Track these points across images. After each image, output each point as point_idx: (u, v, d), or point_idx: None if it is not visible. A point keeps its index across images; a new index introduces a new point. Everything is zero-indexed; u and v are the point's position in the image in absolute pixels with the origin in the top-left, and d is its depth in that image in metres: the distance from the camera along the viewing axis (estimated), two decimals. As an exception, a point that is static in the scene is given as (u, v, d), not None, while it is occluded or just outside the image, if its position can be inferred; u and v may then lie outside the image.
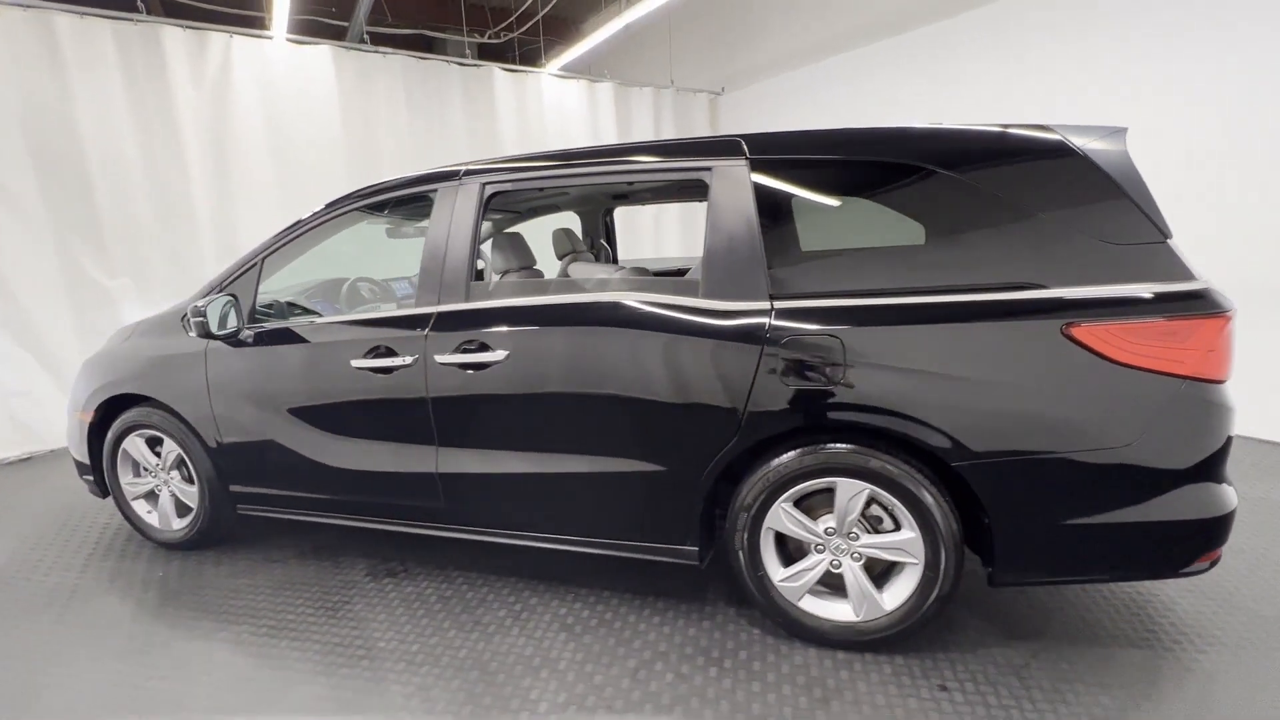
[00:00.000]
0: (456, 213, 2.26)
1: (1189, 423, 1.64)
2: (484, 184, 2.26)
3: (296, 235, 2.57)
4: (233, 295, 2.46)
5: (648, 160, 2.12)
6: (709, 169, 2.01)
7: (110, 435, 2.80)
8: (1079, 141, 1.77)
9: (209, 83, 4.65)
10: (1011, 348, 1.71)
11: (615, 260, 4.00)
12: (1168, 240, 1.69)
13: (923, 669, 1.89)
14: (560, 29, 8.92)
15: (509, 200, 3.04)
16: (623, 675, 1.93)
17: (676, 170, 2.08)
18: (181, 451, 2.69)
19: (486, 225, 3.56)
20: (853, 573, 1.94)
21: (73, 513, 3.30)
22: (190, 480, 2.76)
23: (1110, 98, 4.08)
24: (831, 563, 1.96)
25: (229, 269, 2.64)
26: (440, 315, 2.22)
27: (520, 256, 2.72)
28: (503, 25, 8.35)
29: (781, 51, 6.52)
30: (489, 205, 2.28)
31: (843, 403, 1.81)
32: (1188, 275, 1.67)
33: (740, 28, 6.81)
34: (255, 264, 2.57)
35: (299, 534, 2.96)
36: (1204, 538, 1.70)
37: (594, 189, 3.29)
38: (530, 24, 8.18)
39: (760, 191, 1.94)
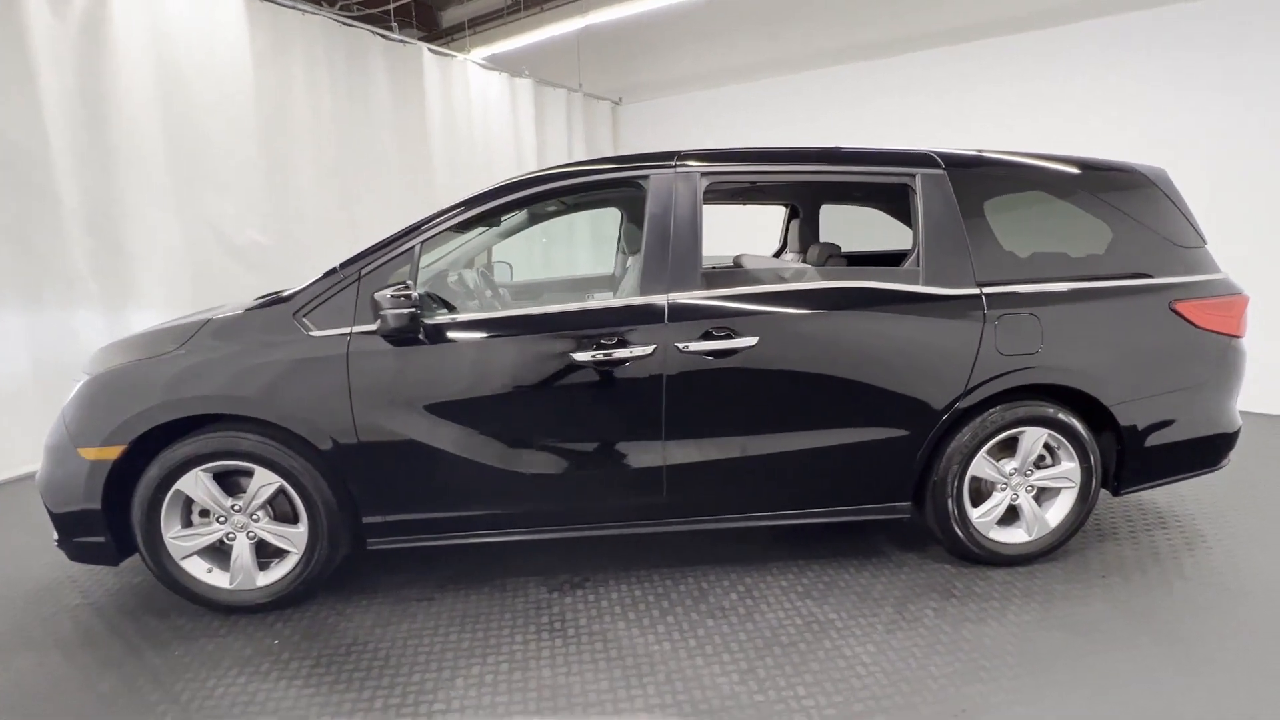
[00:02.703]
0: (678, 200, 2.25)
1: (1230, 366, 2.48)
2: (703, 173, 2.28)
3: (462, 217, 2.24)
4: (405, 284, 2.06)
5: (857, 165, 2.38)
6: (913, 175, 2.36)
7: (153, 474, 2.09)
8: (1148, 174, 2.53)
9: (76, 16, 3.51)
10: (1142, 319, 2.37)
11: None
12: (1205, 245, 2.52)
13: (1084, 565, 2.48)
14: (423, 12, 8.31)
15: (715, 191, 2.86)
16: (889, 623, 2.16)
17: (885, 175, 2.38)
18: (283, 483, 2.14)
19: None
20: (1027, 503, 2.45)
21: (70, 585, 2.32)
22: (288, 518, 2.20)
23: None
24: (1011, 497, 2.45)
25: (365, 251, 2.18)
26: (676, 304, 2.19)
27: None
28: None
29: (680, 73, 7.05)
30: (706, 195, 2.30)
31: (1041, 366, 2.30)
32: (1218, 269, 2.51)
33: (642, 43, 7.17)
34: (409, 248, 2.17)
35: (406, 569, 2.53)
36: (1229, 443, 2.56)
37: (798, 187, 3.29)
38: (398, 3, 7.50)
39: (959, 194, 2.35)
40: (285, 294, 2.24)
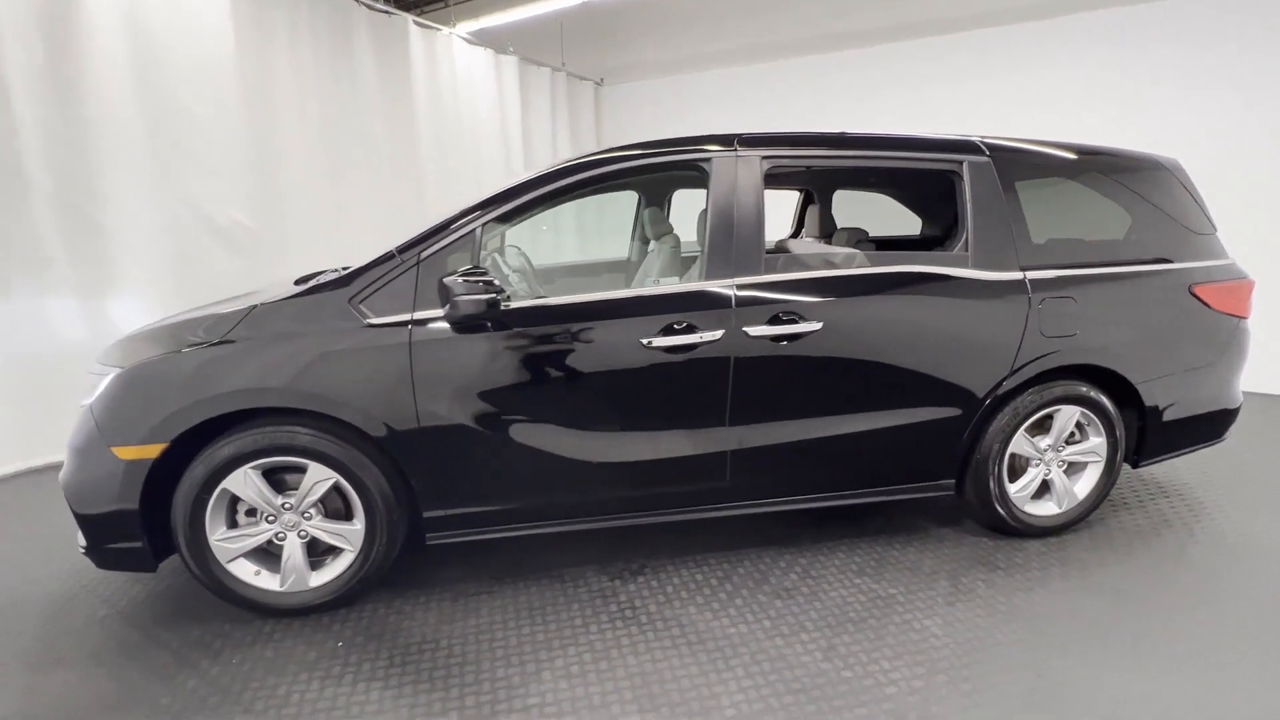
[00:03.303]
0: (740, 184, 2.23)
1: (1239, 346, 2.66)
2: (763, 156, 2.27)
3: (522, 199, 2.15)
4: (480, 269, 1.97)
5: (909, 151, 2.42)
6: (960, 161, 2.42)
7: (197, 473, 1.95)
8: (1166, 163, 2.67)
9: (40, -31, 3.18)
10: (1165, 302, 2.52)
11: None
12: (1216, 231, 2.69)
13: (1106, 534, 2.63)
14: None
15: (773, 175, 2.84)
16: (948, 596, 2.24)
17: (935, 161, 2.43)
18: (340, 478, 2.03)
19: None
20: (1059, 477, 2.58)
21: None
22: (339, 515, 2.10)
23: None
24: (1044, 473, 2.57)
25: (424, 234, 2.07)
26: (743, 288, 2.18)
27: None
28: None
29: (664, 56, 6.97)
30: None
31: (1079, 347, 2.42)
32: (1227, 254, 2.68)
33: (624, 23, 7.04)
34: (470, 231, 2.08)
35: (454, 563, 2.46)
36: (1233, 418, 2.76)
37: (849, 172, 3.26)
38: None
39: (1003, 180, 2.42)
40: (330, 278, 2.11)
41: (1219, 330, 2.59)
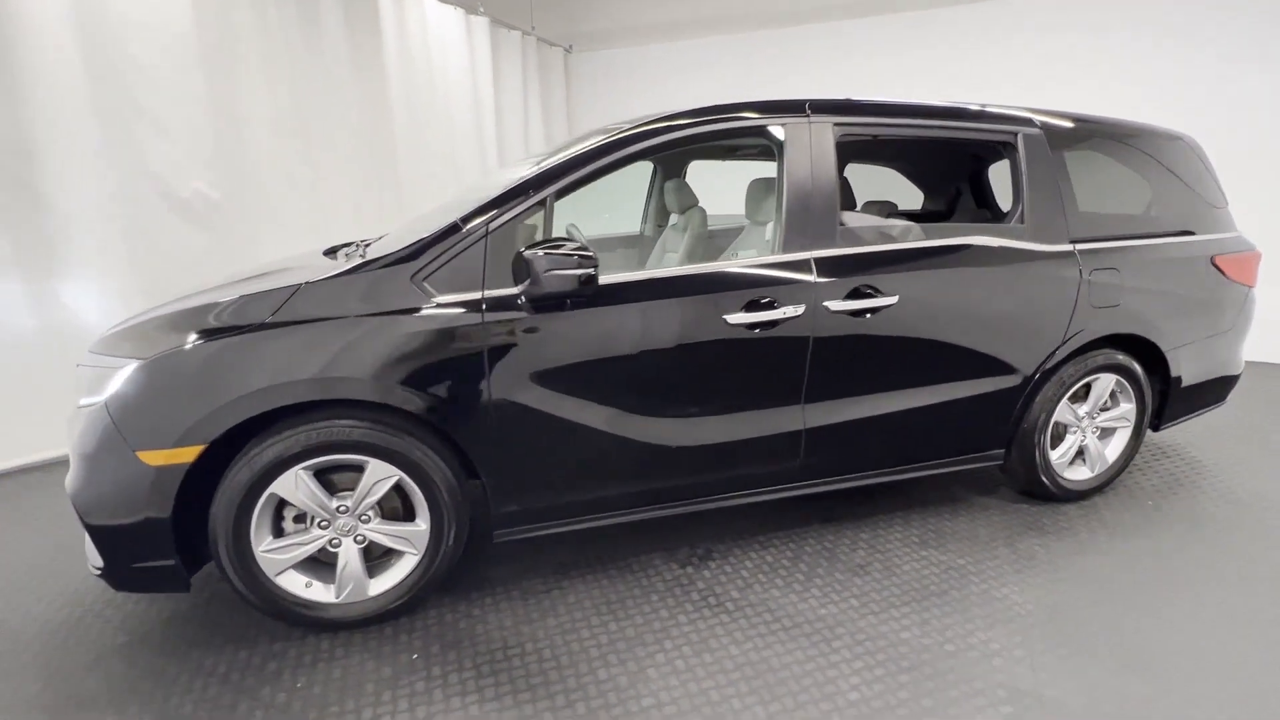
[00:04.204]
0: (815, 152, 2.14)
1: (1247, 314, 2.82)
2: (835, 124, 2.18)
3: (594, 166, 1.97)
4: (571, 240, 1.79)
5: (974, 122, 2.38)
6: (1015, 134, 2.41)
7: (241, 478, 1.71)
8: (1187, 140, 2.77)
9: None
10: (1191, 272, 2.63)
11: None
12: (1228, 205, 2.83)
13: (1130, 496, 2.76)
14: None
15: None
16: (1014, 563, 2.29)
17: (993, 132, 2.41)
18: (403, 475, 1.84)
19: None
20: (1094, 443, 2.68)
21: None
22: (396, 515, 1.91)
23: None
24: (1081, 439, 2.66)
25: (488, 204, 1.86)
26: (823, 260, 2.10)
27: None
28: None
29: (634, 22, 6.73)
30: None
31: (1121, 317, 2.49)
32: (1236, 227, 2.83)
33: (594, -13, 6.74)
34: (541, 199, 1.89)
35: (510, 560, 2.30)
36: (1234, 382, 2.94)
37: (910, 142, 3.08)
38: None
39: (1052, 152, 2.44)
40: (390, 251, 1.86)
41: (1234, 299, 2.74)
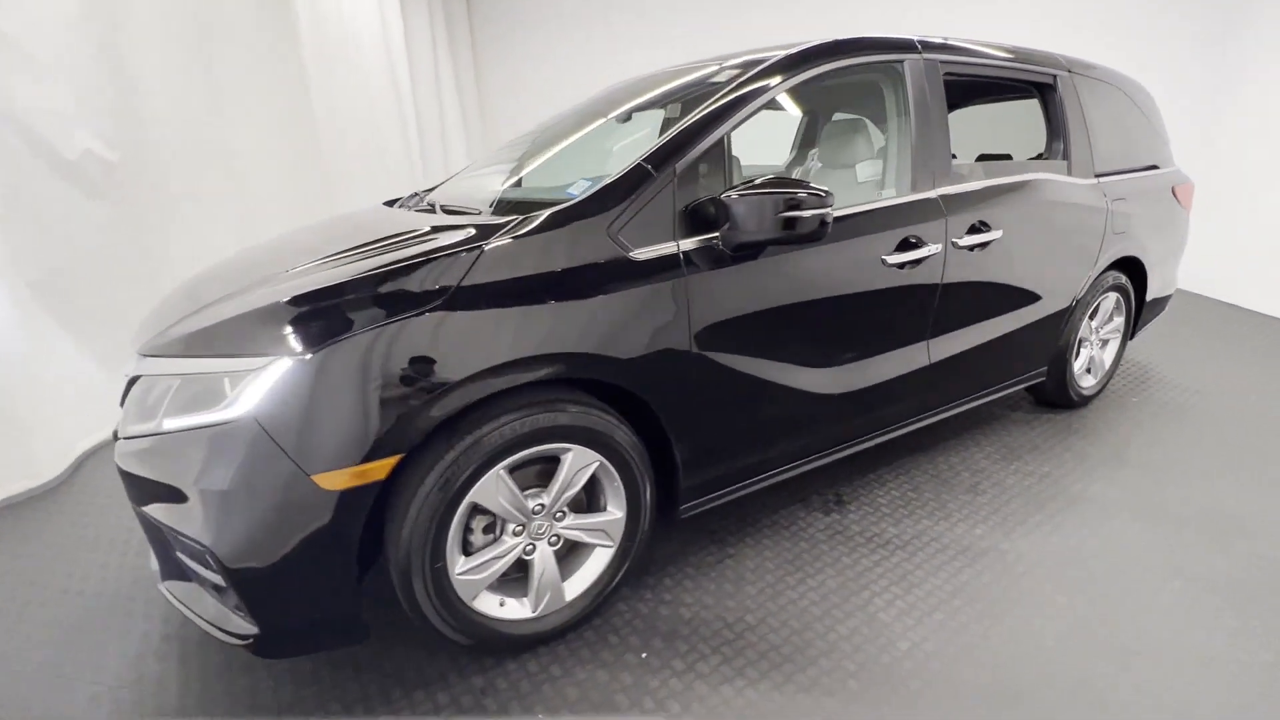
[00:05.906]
0: (930, 90, 2.14)
1: (1185, 236, 3.37)
2: (941, 61, 2.19)
3: (756, 104, 1.77)
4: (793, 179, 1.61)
5: (1028, 64, 2.53)
6: (1054, 75, 2.61)
7: (431, 489, 1.37)
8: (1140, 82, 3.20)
9: None
10: (1160, 201, 3.08)
11: None
12: (1170, 142, 3.33)
13: (1111, 404, 3.23)
14: None
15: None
16: (1075, 459, 2.58)
17: (1039, 74, 2.58)
18: (603, 461, 1.60)
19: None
20: (1098, 354, 3.08)
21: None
22: (581, 506, 1.68)
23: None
24: (1092, 351, 3.05)
25: (668, 145, 1.62)
26: (950, 198, 2.13)
27: None
28: None
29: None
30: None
31: (1129, 242, 2.86)
32: (1175, 161, 3.35)
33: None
34: (719, 138, 1.68)
35: (660, 539, 2.13)
36: (1171, 296, 3.52)
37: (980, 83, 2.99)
38: None
39: (1080, 94, 2.69)
40: (579, 198, 1.56)
41: (1183, 223, 3.27)
